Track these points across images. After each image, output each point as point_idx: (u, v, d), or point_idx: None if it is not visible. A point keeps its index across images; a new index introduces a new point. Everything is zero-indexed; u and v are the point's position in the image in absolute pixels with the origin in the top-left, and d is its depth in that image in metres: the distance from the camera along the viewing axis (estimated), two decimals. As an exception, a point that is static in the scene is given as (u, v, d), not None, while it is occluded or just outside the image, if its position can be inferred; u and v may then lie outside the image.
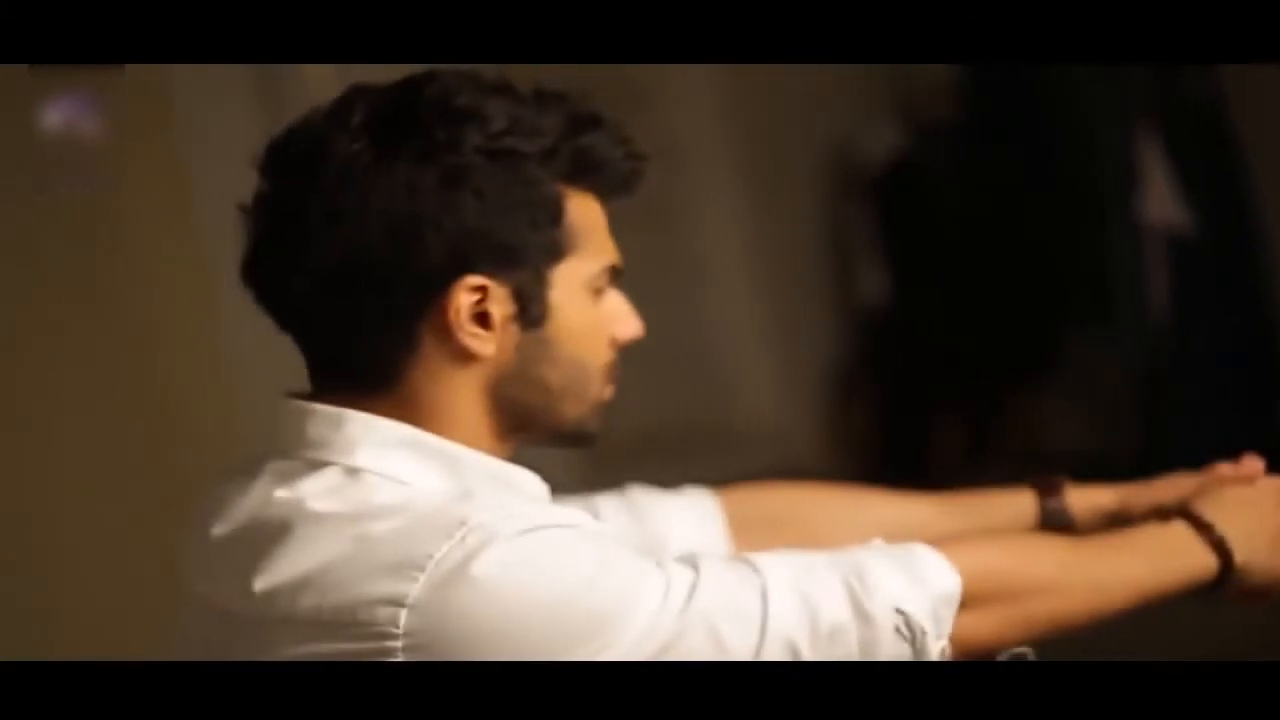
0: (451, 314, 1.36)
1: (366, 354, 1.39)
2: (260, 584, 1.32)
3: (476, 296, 1.37)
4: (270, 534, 1.33)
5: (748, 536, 1.67)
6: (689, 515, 1.69)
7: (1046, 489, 1.74)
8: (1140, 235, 3.87)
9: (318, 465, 1.37)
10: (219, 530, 1.38)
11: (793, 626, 1.35)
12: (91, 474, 2.74)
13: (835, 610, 1.37)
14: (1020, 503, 1.73)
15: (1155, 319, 3.87)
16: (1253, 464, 1.68)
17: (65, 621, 2.64)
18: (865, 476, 3.84)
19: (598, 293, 1.43)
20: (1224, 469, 1.68)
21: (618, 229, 4.16)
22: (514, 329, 1.39)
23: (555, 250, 1.40)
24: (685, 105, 4.44)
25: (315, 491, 1.35)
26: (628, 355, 4.23)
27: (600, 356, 1.44)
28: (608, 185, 1.45)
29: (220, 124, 2.95)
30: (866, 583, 1.38)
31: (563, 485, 1.71)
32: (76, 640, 2.56)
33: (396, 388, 1.39)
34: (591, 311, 1.43)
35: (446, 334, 1.37)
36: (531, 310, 1.39)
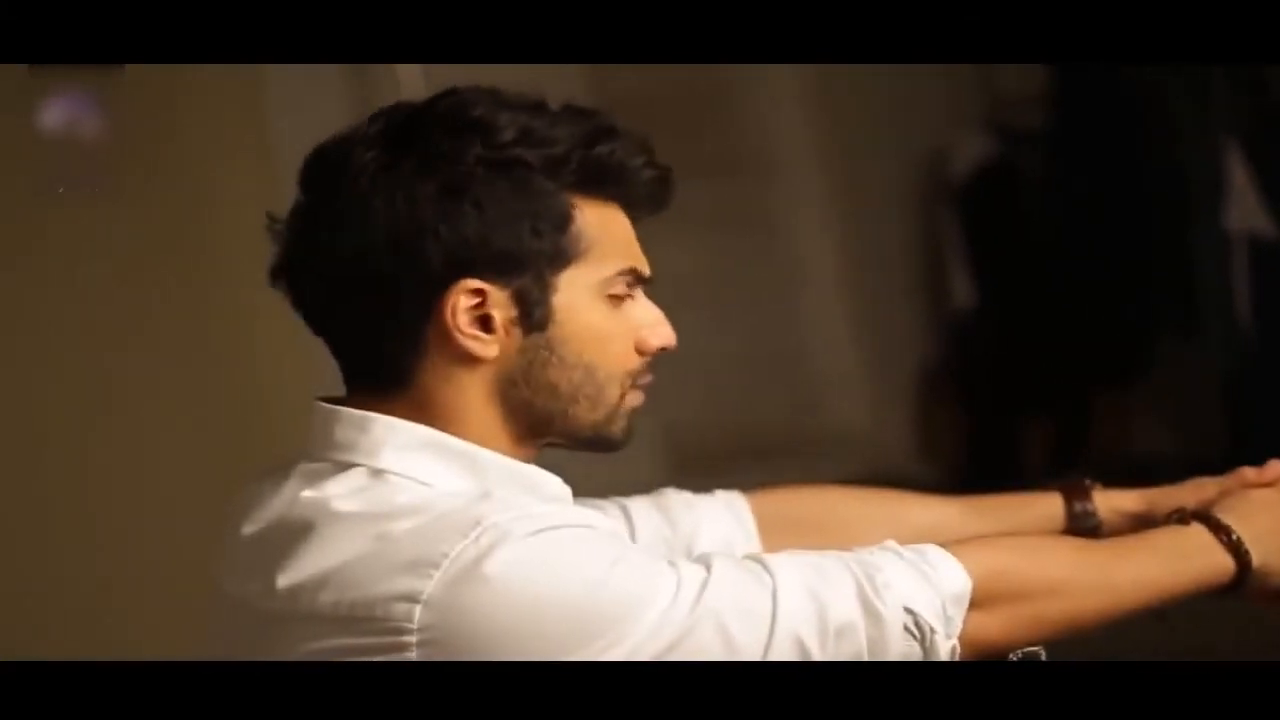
0: (448, 316, 1.40)
1: (381, 357, 1.44)
2: (283, 581, 1.37)
3: (475, 300, 1.40)
4: (295, 533, 1.38)
5: (777, 538, 1.69)
6: (719, 517, 1.72)
7: (1074, 492, 1.76)
8: (1225, 241, 3.86)
9: (344, 467, 1.42)
10: (248, 529, 1.43)
11: (801, 624, 1.38)
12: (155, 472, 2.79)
13: (844, 609, 1.39)
14: (1049, 505, 1.76)
15: (1240, 324, 3.86)
16: (1277, 468, 1.70)
17: (99, 620, 2.69)
18: (953, 480, 3.87)
19: (615, 299, 1.46)
20: (1248, 473, 1.70)
21: (716, 234, 4.15)
22: (517, 332, 1.42)
23: (560, 256, 1.42)
24: (781, 113, 4.48)
25: (340, 492, 1.40)
26: (722, 358, 4.21)
27: (616, 362, 1.46)
28: (632, 197, 1.48)
29: (311, 120, 2.99)
30: (876, 582, 1.41)
31: (650, 486, 1.75)
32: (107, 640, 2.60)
33: (411, 389, 1.43)
34: (605, 317, 1.45)
35: (449, 336, 1.41)
36: (534, 314, 1.42)
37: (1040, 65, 4.30)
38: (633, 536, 1.67)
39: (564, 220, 1.42)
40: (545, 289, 1.42)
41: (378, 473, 1.41)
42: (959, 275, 4.54)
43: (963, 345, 4.58)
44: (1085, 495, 1.75)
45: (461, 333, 1.41)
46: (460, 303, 1.40)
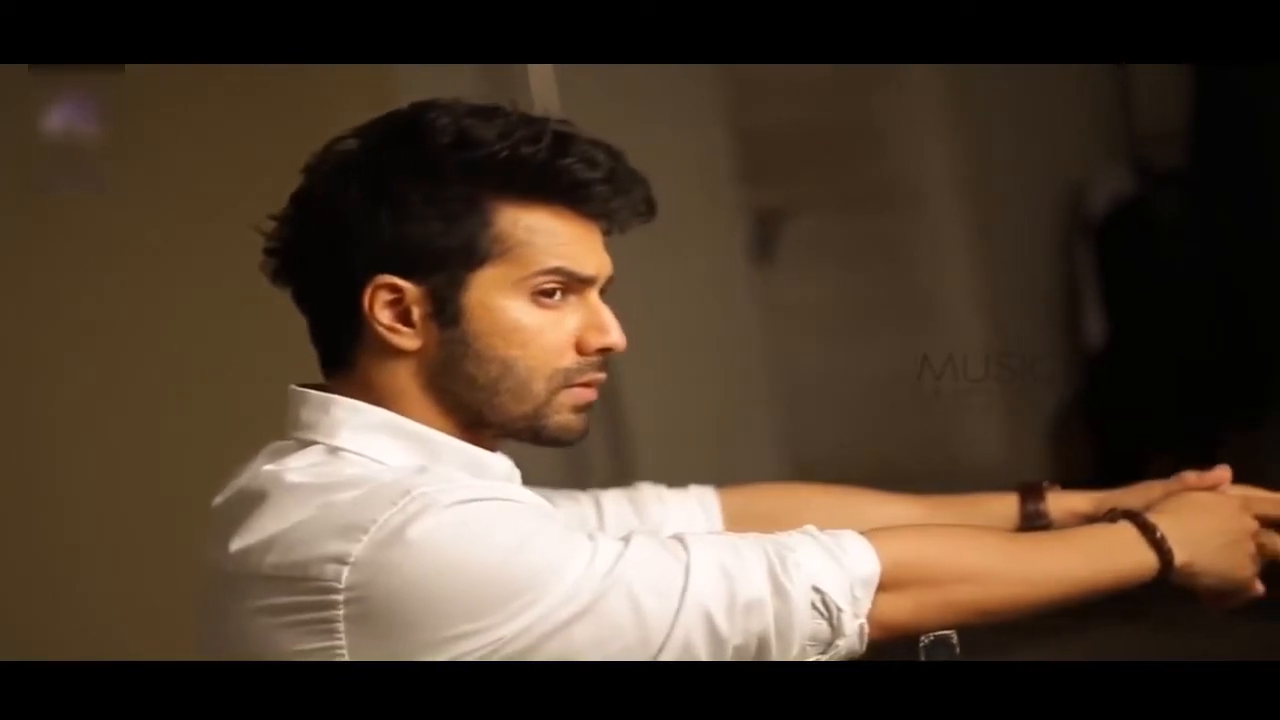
0: (368, 310, 1.52)
1: (331, 345, 1.57)
2: (236, 544, 1.49)
3: (392, 296, 1.52)
4: (251, 501, 1.51)
5: (741, 530, 1.77)
6: (687, 508, 1.82)
7: (1029, 492, 1.84)
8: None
9: (306, 444, 1.55)
10: (218, 500, 1.56)
11: (710, 598, 1.46)
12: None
13: (754, 586, 1.48)
14: (1004, 505, 1.85)
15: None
16: (1220, 473, 1.77)
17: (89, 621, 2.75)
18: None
19: (543, 297, 1.54)
20: (1190, 477, 1.77)
21: (853, 266, 4.17)
22: (434, 326, 1.53)
23: (475, 256, 1.52)
24: (920, 148, 4.52)
25: (296, 466, 1.52)
26: (856, 390, 4.22)
27: (542, 358, 1.55)
28: (580, 200, 1.55)
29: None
30: (787, 562, 1.49)
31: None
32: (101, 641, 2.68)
33: (356, 375, 1.56)
34: (528, 314, 1.53)
35: (372, 329, 1.53)
36: (446, 310, 1.52)
37: (1180, 104, 4.31)
38: (601, 525, 1.77)
39: (480, 221, 1.52)
40: (458, 286, 1.52)
41: (334, 450, 1.53)
42: (1094, 309, 4.54)
43: (1096, 379, 4.58)
44: (1039, 496, 1.83)
45: (382, 325, 1.53)
46: (378, 298, 1.52)
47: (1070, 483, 1.84)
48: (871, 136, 4.49)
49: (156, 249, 2.84)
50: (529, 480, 1.65)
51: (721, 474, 1.91)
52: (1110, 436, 4.50)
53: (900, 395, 4.42)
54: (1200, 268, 4.32)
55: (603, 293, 1.59)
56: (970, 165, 4.49)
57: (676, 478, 1.87)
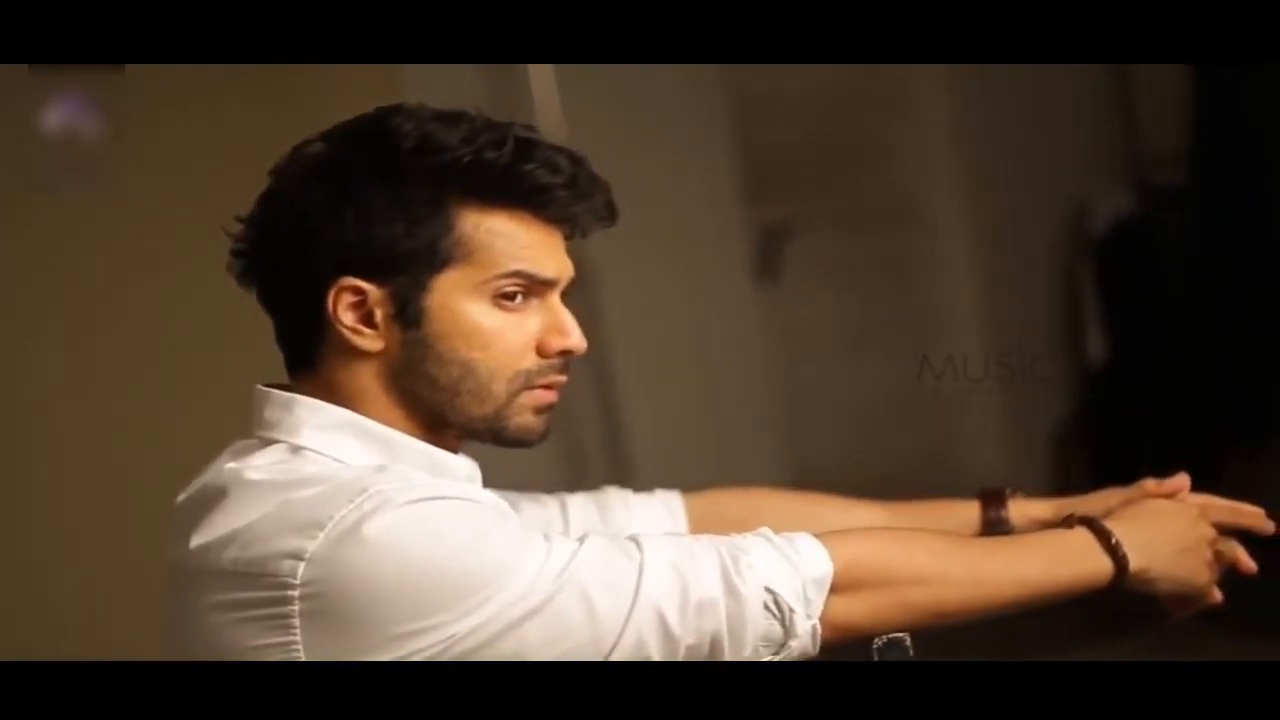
0: (331, 311, 1.54)
1: (296, 344, 1.59)
2: (196, 541, 1.51)
3: (356, 298, 1.54)
4: (212, 498, 1.52)
5: (707, 533, 1.79)
6: (652, 511, 1.83)
7: (991, 500, 1.85)
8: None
9: (269, 442, 1.56)
10: (181, 498, 1.58)
11: (662, 598, 1.48)
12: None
13: (707, 586, 1.49)
14: (966, 511, 1.85)
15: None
16: (1178, 481, 1.78)
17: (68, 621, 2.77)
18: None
19: (504, 300, 1.56)
20: (1150, 485, 1.78)
21: (857, 282, 4.17)
22: (396, 328, 1.55)
23: (437, 259, 1.53)
24: (924, 166, 4.53)
25: (257, 464, 1.54)
26: (859, 405, 4.21)
27: (503, 360, 1.56)
28: (540, 205, 1.57)
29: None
30: (740, 563, 1.50)
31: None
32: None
33: (319, 374, 1.58)
34: (489, 317, 1.55)
35: (336, 330, 1.55)
36: (408, 312, 1.54)
37: (1181, 122, 4.31)
38: (566, 528, 1.79)
39: (443, 225, 1.53)
40: (420, 289, 1.54)
41: (296, 449, 1.55)
42: (1096, 328, 4.55)
43: (1098, 397, 4.58)
44: (1001, 503, 1.84)
45: (345, 327, 1.54)
46: (342, 299, 1.54)
47: (1070, 495, 1.86)
48: (876, 154, 4.50)
49: (156, 248, 2.86)
50: (530, 482, 1.67)
51: (723, 485, 1.93)
52: (1112, 452, 4.50)
53: (903, 411, 4.43)
54: (1201, 284, 4.32)
55: (565, 296, 1.61)
56: (974, 183, 4.51)
57: (678, 488, 1.88)
